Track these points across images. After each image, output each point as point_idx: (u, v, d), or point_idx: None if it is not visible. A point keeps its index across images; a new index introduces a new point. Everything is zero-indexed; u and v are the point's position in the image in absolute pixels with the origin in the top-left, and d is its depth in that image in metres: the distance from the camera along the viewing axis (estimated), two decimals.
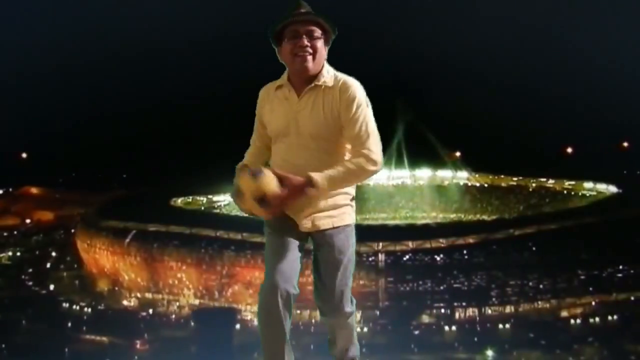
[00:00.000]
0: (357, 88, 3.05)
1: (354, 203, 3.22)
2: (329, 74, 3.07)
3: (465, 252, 43.52)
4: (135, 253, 48.89)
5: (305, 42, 2.98)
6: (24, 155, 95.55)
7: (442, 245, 43.92)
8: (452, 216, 68.80)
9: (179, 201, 62.70)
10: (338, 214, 3.12)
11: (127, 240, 49.36)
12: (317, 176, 2.90)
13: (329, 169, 2.94)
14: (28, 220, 73.18)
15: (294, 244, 3.09)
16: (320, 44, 3.03)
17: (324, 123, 3.02)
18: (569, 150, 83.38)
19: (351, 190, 3.17)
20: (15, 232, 69.20)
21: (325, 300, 3.25)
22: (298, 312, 45.09)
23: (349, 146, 3.08)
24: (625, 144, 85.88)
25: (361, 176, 3.02)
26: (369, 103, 3.10)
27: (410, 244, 44.23)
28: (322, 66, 3.08)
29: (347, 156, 3.07)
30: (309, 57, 2.99)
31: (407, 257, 43.71)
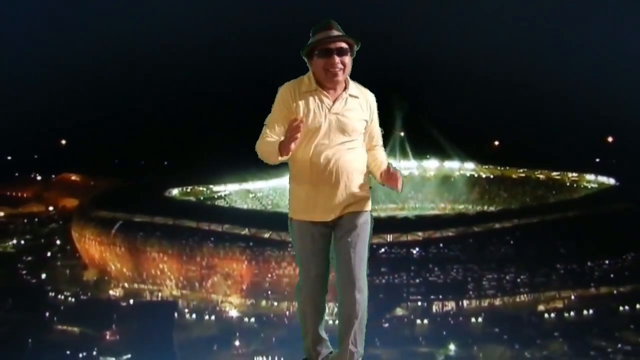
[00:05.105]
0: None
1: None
2: (353, 84, 3.68)
3: (441, 245, 43.25)
4: (120, 243, 49.42)
5: (337, 59, 3.51)
6: (63, 142, 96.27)
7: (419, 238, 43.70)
8: (461, 207, 67.95)
9: (175, 191, 62.47)
10: (363, 200, 3.71)
11: (114, 230, 49.95)
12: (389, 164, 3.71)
13: (383, 159, 3.78)
14: (51, 208, 73.01)
15: (323, 245, 3.70)
16: (347, 59, 3.57)
17: (359, 122, 3.65)
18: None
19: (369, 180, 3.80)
20: (36, 219, 69.19)
21: (345, 277, 3.66)
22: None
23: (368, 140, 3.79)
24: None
25: None
26: None
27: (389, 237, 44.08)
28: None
29: (364, 148, 3.74)
30: (340, 72, 3.54)
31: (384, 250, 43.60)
